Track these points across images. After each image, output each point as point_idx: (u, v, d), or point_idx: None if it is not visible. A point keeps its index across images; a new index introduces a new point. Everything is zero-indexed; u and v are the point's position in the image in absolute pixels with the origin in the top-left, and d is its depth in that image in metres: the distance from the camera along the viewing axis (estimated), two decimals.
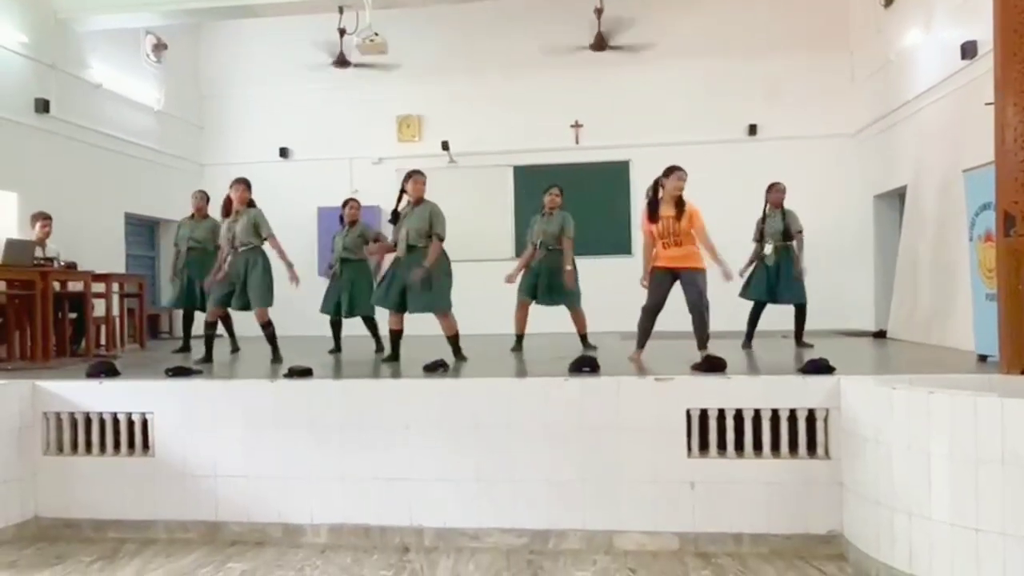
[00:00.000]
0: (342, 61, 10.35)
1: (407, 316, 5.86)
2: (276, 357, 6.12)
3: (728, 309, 6.55)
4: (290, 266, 6.12)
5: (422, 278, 5.59)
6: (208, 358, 6.14)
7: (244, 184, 6.17)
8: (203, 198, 7.67)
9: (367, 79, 10.61)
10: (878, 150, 9.44)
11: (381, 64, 10.19)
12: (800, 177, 9.59)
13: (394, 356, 5.91)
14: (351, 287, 7.06)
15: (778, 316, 7.05)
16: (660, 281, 5.39)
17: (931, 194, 7.66)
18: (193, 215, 7.65)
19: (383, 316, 6.35)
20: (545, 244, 6.79)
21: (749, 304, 6.92)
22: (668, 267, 5.33)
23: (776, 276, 6.72)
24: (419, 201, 5.83)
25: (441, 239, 5.75)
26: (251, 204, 6.19)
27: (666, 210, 5.34)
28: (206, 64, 11.67)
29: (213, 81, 11.60)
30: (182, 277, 7.42)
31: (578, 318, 6.90)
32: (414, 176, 5.85)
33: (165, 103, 10.67)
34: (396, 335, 5.95)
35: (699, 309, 5.34)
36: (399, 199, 5.87)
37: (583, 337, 6.89)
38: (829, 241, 9.71)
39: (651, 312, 5.47)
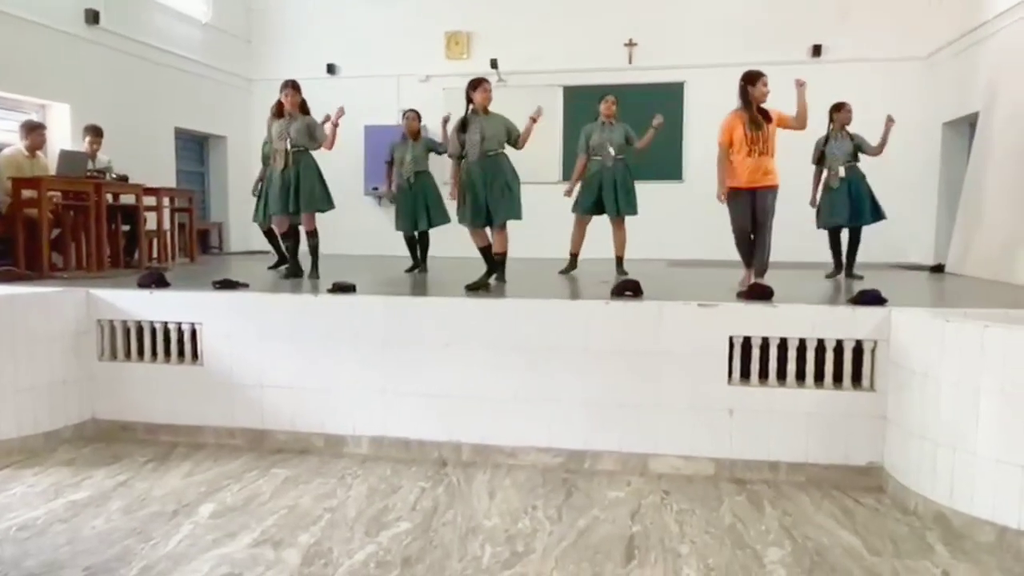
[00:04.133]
0: None
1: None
2: (316, 271, 6.12)
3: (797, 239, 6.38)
4: (335, 125, 6.03)
5: (502, 186, 5.52)
6: (296, 269, 6.13)
7: (294, 87, 5.95)
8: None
9: None
10: (951, 74, 8.93)
11: None
12: (865, 102, 9.15)
13: (491, 271, 5.71)
14: (427, 199, 6.98)
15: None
16: (744, 202, 5.07)
17: (1004, 122, 7.24)
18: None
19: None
20: (615, 154, 6.62)
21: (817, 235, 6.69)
22: (749, 187, 5.03)
23: (850, 197, 6.45)
24: (487, 110, 5.67)
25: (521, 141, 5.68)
26: (304, 110, 6.06)
27: (757, 116, 5.03)
28: None
29: None
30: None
31: (624, 235, 6.78)
32: (482, 84, 5.64)
33: (213, 16, 10.61)
34: (487, 251, 5.80)
35: (767, 227, 5.11)
36: (467, 108, 5.68)
37: (620, 260, 6.79)
38: (892, 170, 9.29)
39: (745, 234, 5.18)
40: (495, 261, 5.77)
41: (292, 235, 6.24)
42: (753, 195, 5.04)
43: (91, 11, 8.33)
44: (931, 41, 9.34)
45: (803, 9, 9.85)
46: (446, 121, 6.40)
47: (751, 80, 5.03)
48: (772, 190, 5.06)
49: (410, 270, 7.16)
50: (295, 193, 5.92)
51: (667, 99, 10.28)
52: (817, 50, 9.94)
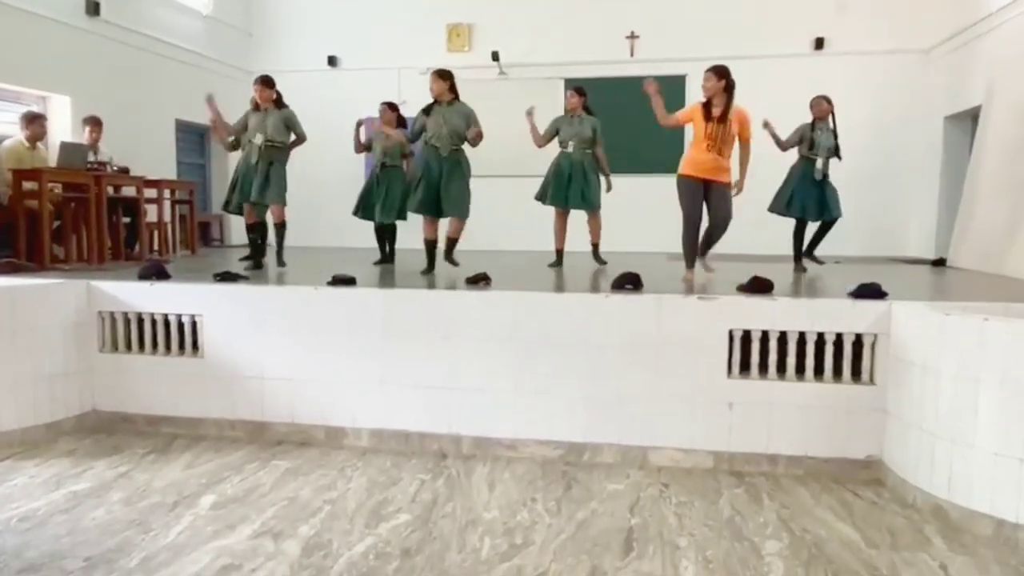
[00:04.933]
0: None
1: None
2: (281, 261, 6.18)
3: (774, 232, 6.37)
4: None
5: (454, 181, 5.59)
6: (257, 262, 6.18)
7: (263, 83, 6.07)
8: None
9: None
10: (953, 67, 8.90)
11: None
12: (867, 95, 9.18)
13: (431, 267, 5.88)
14: (390, 193, 6.90)
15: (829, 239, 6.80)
16: (694, 190, 5.13)
17: (1006, 115, 7.22)
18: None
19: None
20: (580, 147, 6.64)
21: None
22: (701, 177, 5.09)
23: (821, 192, 6.40)
24: (450, 101, 5.68)
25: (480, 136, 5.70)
26: (279, 104, 6.10)
27: (716, 112, 5.09)
28: None
29: None
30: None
31: (598, 226, 6.82)
32: (441, 75, 5.70)
33: (214, 8, 10.58)
34: (432, 244, 5.93)
35: (724, 225, 5.19)
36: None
37: (596, 247, 6.81)
38: (893, 164, 9.33)
39: (695, 225, 5.23)
40: (440, 253, 5.86)
41: (259, 227, 6.27)
42: (706, 186, 5.07)
43: (92, 2, 8.31)
44: (933, 34, 9.30)
45: (805, 2, 9.81)
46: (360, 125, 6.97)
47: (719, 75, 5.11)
48: (724, 186, 5.11)
49: (379, 263, 7.11)
50: (264, 185, 5.97)
51: (669, 92, 10.14)
52: (819, 43, 9.90)
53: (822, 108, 6.41)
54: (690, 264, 5.29)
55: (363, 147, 7.18)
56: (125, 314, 4.92)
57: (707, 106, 5.09)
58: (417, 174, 5.80)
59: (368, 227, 7.32)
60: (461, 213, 5.78)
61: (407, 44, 10.91)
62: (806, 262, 6.46)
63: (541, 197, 6.83)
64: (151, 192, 7.80)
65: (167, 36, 9.67)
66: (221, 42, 10.80)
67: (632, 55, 10.43)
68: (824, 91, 6.54)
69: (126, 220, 7.53)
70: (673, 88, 10.27)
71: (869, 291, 4.19)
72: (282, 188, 6.11)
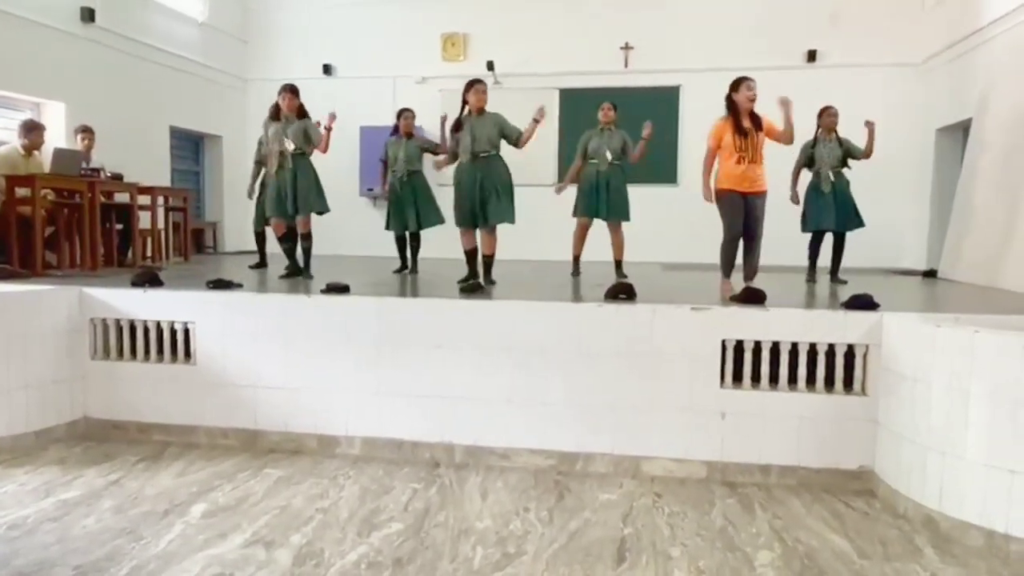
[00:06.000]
0: None
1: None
2: (308, 272, 6.14)
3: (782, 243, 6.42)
4: (328, 129, 6.07)
5: (492, 188, 5.54)
6: (296, 269, 6.15)
7: (291, 91, 5.97)
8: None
9: None
10: (945, 81, 8.97)
11: None
12: (859, 108, 9.19)
13: (473, 275, 5.73)
14: (416, 199, 6.94)
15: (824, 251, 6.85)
16: (737, 204, 5.06)
17: (997, 128, 7.28)
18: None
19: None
20: (611, 159, 6.68)
21: (803, 239, 6.72)
22: (740, 191, 5.04)
23: (836, 202, 6.46)
24: (481, 111, 5.68)
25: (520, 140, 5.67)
26: (301, 113, 6.06)
27: (745, 123, 5.04)
28: None
29: None
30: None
31: (621, 238, 6.83)
32: (475, 86, 5.65)
33: (209, 15, 10.60)
34: (472, 254, 5.85)
35: (758, 236, 5.15)
36: (462, 109, 5.70)
37: (619, 263, 6.82)
38: (885, 175, 9.37)
39: (736, 238, 5.14)
40: (482, 265, 5.79)
41: (290, 237, 6.24)
42: (744, 199, 5.05)
43: (87, 9, 8.32)
44: (925, 47, 9.39)
45: (798, 15, 9.89)
46: (444, 120, 6.44)
47: (735, 87, 5.06)
48: (762, 196, 5.09)
49: (399, 271, 7.14)
50: (292, 196, 5.94)
51: (663, 103, 10.32)
52: (812, 55, 9.98)
53: (832, 120, 6.51)
54: (727, 274, 5.23)
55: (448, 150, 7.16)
56: (117, 321, 4.91)
57: (735, 120, 5.06)
58: (455, 190, 5.75)
59: (371, 235, 7.32)
60: (510, 216, 5.69)
61: (402, 53, 10.95)
62: (834, 285, 6.46)
63: (575, 211, 6.87)
64: (145, 199, 7.79)
65: (162, 43, 9.68)
66: (216, 50, 10.82)
67: (626, 66, 10.49)
68: (816, 104, 6.59)
69: (119, 227, 7.52)
70: (668, 99, 10.37)
71: (861, 302, 4.21)
72: (310, 197, 5.99)
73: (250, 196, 7.15)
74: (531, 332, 4.35)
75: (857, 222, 6.52)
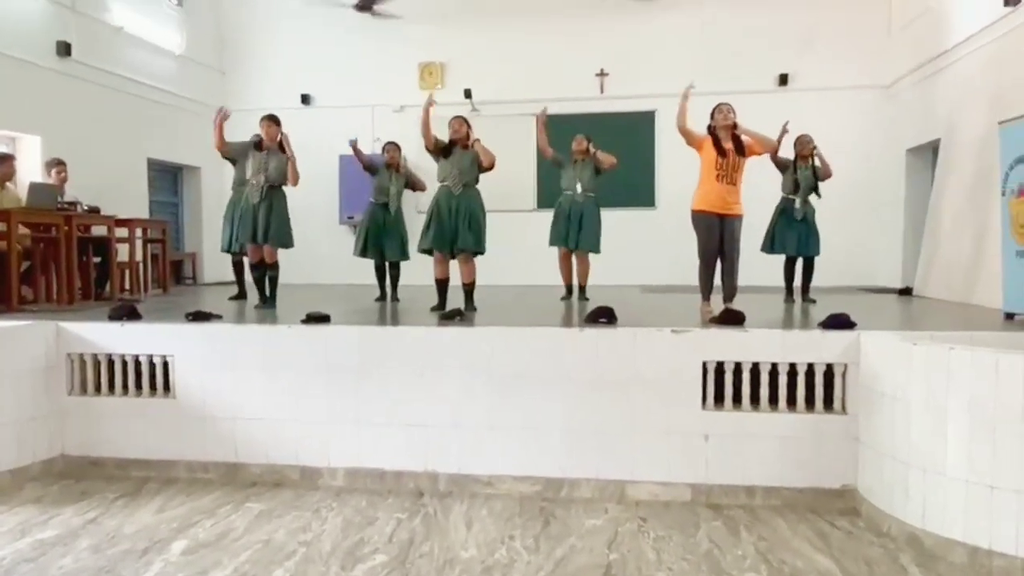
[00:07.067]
0: (364, 5, 10.19)
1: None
2: (272, 302, 6.12)
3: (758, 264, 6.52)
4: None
5: (471, 218, 5.65)
6: (265, 299, 6.14)
7: (271, 120, 6.03)
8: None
9: (389, 24, 10.48)
10: (913, 102, 9.16)
11: (403, 8, 10.02)
12: (831, 129, 9.37)
13: (443, 303, 5.81)
14: (401, 232, 6.98)
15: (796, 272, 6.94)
16: (712, 225, 5.13)
17: (965, 148, 7.44)
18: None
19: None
20: (584, 191, 6.81)
21: (776, 260, 6.83)
22: (716, 212, 5.11)
23: (801, 229, 6.62)
24: (465, 146, 5.78)
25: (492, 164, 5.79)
26: (282, 146, 6.05)
27: (726, 145, 5.11)
28: (227, 8, 11.54)
29: (234, 25, 11.50)
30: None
31: (587, 267, 6.96)
32: (453, 121, 5.83)
33: (187, 47, 10.61)
34: (444, 283, 5.93)
35: (734, 257, 5.21)
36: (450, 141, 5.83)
37: (583, 288, 6.95)
38: (858, 196, 9.52)
39: (712, 258, 5.21)
40: (463, 293, 5.83)
41: (262, 265, 6.23)
42: (721, 220, 5.12)
43: (63, 43, 8.29)
44: (893, 70, 9.59)
45: (770, 39, 10.07)
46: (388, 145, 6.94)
47: (711, 113, 5.20)
48: (738, 219, 5.17)
49: (379, 299, 7.13)
50: (265, 226, 5.96)
51: (639, 128, 10.44)
52: (784, 79, 10.16)
53: (806, 147, 6.66)
54: (706, 297, 5.29)
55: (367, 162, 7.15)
56: (95, 356, 4.85)
57: (715, 141, 5.13)
58: (428, 215, 5.84)
59: (350, 263, 7.29)
60: (477, 246, 5.78)
61: (380, 82, 11.00)
62: (805, 304, 6.56)
63: (550, 241, 6.99)
64: (123, 231, 7.73)
65: (139, 76, 9.66)
66: (194, 81, 10.81)
67: (602, 92, 10.61)
68: (789, 126, 6.71)
69: (97, 260, 7.45)
70: (644, 124, 10.49)
71: (838, 321, 4.26)
72: (282, 230, 6.05)
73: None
74: (513, 358, 4.35)
75: (816, 249, 6.70)
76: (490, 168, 5.81)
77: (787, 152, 6.67)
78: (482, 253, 5.86)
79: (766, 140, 5.25)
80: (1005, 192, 5.28)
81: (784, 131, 6.17)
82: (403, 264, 7.14)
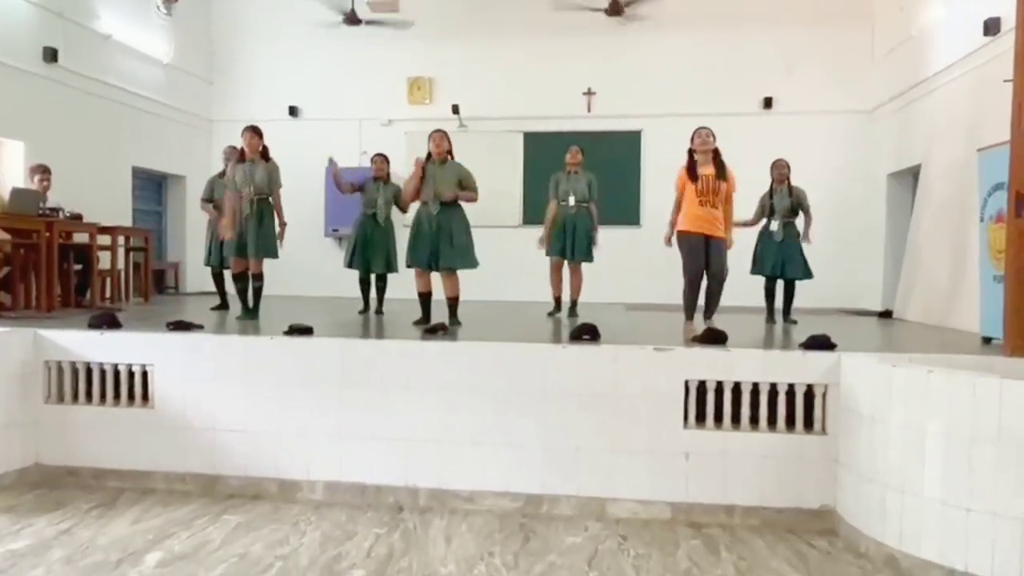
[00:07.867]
0: (353, 18, 10.23)
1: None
2: (256, 313, 6.11)
3: (742, 286, 6.58)
4: (284, 225, 6.13)
5: (452, 234, 5.64)
6: (249, 310, 6.12)
7: (253, 131, 6.03)
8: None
9: (378, 38, 10.55)
10: (894, 128, 9.31)
11: (392, 22, 10.07)
12: (814, 153, 9.54)
13: (427, 317, 5.81)
14: (388, 243, 6.98)
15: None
16: (696, 245, 5.25)
17: (945, 173, 7.56)
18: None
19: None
20: (578, 201, 6.89)
21: (759, 281, 6.92)
22: (702, 232, 5.21)
23: (784, 251, 6.70)
24: (443, 160, 5.77)
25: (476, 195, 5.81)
26: (265, 155, 6.08)
27: (706, 169, 5.25)
28: (216, 18, 11.56)
29: (223, 36, 11.50)
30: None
31: (580, 279, 7.00)
32: (433, 135, 5.79)
33: (175, 57, 10.59)
34: (427, 297, 5.94)
35: (721, 279, 5.33)
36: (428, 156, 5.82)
37: (574, 303, 7.00)
38: (840, 219, 9.63)
39: (696, 278, 5.31)
40: (448, 307, 5.83)
41: (245, 277, 6.19)
42: (706, 241, 5.19)
43: (50, 49, 8.26)
44: (875, 96, 9.76)
45: (755, 63, 10.22)
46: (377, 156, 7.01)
47: (691, 137, 5.33)
48: (721, 241, 5.25)
49: (363, 312, 7.11)
50: (254, 238, 5.94)
51: (625, 147, 10.54)
52: (768, 102, 10.29)
53: (782, 172, 6.77)
54: (689, 316, 5.39)
55: (352, 187, 7.14)
56: (73, 364, 4.79)
57: (690, 168, 5.24)
58: (411, 231, 5.85)
59: (335, 276, 7.27)
60: (466, 263, 5.79)
61: (369, 96, 11.03)
62: (786, 325, 6.64)
63: (548, 251, 7.04)
64: (105, 239, 7.68)
65: (126, 84, 9.64)
66: (181, 90, 10.79)
67: (589, 111, 10.70)
68: (772, 149, 6.83)
69: (78, 267, 7.39)
70: (630, 143, 10.59)
71: (818, 343, 4.30)
72: (269, 242, 6.05)
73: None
74: (496, 374, 4.35)
75: (804, 272, 6.75)
76: (469, 201, 5.83)
77: (764, 174, 6.77)
78: (474, 267, 5.84)
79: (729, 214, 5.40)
80: (983, 218, 5.36)
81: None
82: (390, 276, 7.13)
